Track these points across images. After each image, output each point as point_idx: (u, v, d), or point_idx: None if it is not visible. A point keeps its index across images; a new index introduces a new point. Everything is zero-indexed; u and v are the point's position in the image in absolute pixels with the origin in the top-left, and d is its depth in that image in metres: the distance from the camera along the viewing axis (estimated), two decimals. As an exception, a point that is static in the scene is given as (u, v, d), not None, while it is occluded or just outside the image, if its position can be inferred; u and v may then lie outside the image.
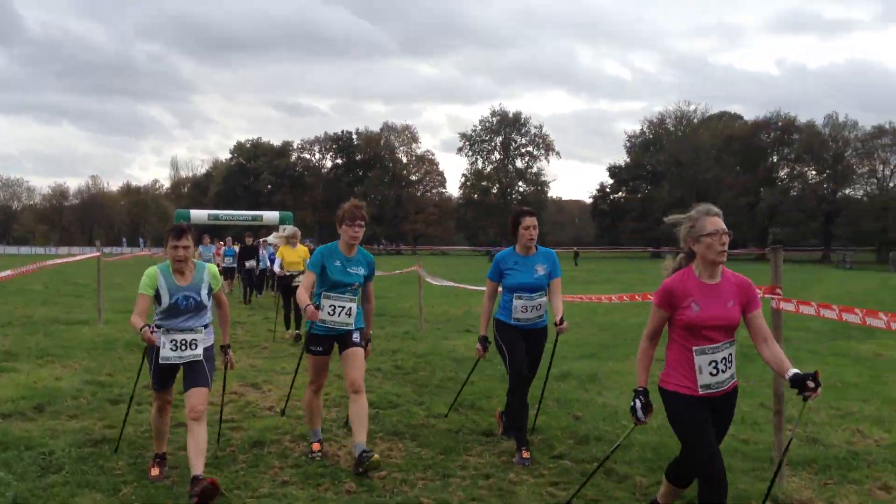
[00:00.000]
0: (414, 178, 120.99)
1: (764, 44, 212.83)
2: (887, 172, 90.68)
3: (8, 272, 10.69)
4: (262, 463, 6.39)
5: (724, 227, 4.51)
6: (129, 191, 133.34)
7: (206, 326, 5.97)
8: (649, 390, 4.69)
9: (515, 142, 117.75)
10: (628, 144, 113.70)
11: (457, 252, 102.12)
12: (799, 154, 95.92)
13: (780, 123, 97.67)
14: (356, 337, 6.51)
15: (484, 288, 7.14)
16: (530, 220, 6.83)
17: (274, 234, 53.76)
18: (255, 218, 72.43)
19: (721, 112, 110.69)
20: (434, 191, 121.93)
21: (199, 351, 5.89)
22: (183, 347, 5.84)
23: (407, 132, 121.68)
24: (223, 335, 6.37)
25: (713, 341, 4.46)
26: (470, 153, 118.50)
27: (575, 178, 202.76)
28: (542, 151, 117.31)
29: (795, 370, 4.26)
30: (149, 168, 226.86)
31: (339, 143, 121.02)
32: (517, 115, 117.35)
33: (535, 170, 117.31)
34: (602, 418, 7.62)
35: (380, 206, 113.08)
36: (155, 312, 5.84)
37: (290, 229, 14.93)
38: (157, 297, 5.80)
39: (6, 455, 6.40)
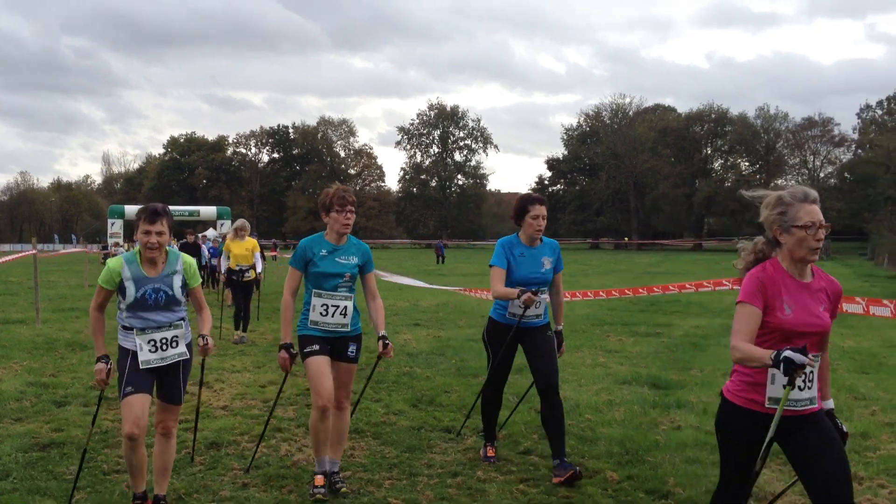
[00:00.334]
0: (352, 171, 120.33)
1: (693, 37, 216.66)
2: (818, 163, 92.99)
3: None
4: (220, 465, 6.19)
5: (822, 218, 3.65)
6: (59, 187, 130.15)
7: (183, 319, 5.21)
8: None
9: (453, 135, 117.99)
10: (565, 137, 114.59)
11: (397, 245, 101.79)
12: (732, 145, 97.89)
13: (713, 116, 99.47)
14: (352, 350, 5.73)
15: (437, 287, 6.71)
16: (540, 210, 6.04)
17: (211, 229, 52.96)
18: (192, 213, 71.30)
19: (655, 105, 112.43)
20: (373, 185, 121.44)
21: (183, 348, 5.18)
22: (164, 347, 5.10)
23: (344, 126, 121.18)
24: (201, 327, 5.36)
25: None
26: (408, 147, 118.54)
27: (512, 170, 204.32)
28: (481, 144, 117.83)
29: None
30: (79, 163, 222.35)
31: (276, 138, 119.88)
32: (455, 109, 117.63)
33: (473, 163, 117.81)
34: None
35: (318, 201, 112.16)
36: (119, 307, 5.13)
37: (239, 221, 14.03)
38: (122, 290, 5.02)
39: (-52, 462, 6.09)
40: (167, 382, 5.18)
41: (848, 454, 4.41)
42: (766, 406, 3.66)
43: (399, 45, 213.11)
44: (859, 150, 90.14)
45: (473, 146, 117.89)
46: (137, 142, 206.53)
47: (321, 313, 5.58)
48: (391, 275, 18.20)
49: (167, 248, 5.14)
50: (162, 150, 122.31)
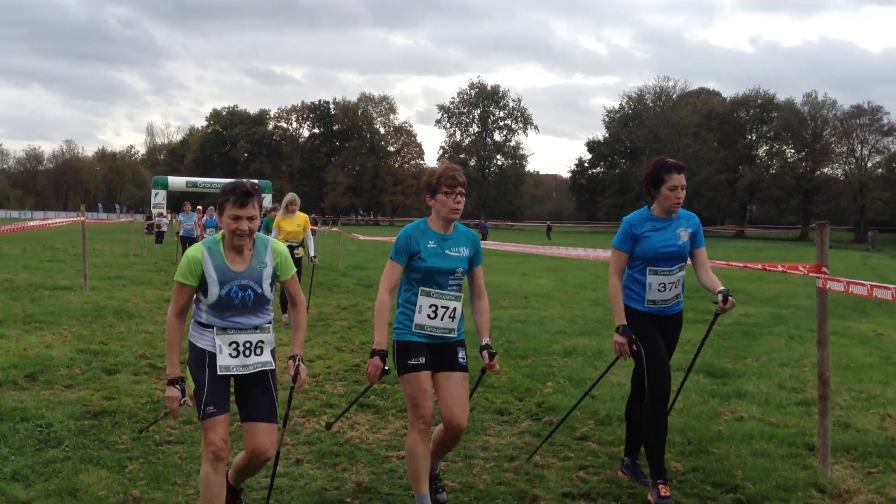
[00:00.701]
0: (392, 149, 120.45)
1: (738, 21, 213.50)
2: (865, 152, 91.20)
3: (12, 227, 10.29)
4: (273, 440, 6.08)
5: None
6: (104, 156, 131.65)
7: (270, 322, 4.40)
8: None
9: (493, 115, 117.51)
10: (607, 119, 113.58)
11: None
12: (778, 132, 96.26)
13: (759, 101, 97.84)
14: (462, 357, 4.85)
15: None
16: (678, 179, 5.07)
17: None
18: (233, 186, 71.63)
19: (700, 88, 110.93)
20: (412, 162, 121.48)
21: (268, 356, 4.33)
22: (247, 352, 4.26)
23: (384, 103, 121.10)
24: (294, 343, 4.51)
25: None
26: (448, 125, 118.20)
27: (549, 151, 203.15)
28: (521, 125, 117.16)
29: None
30: (122, 133, 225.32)
31: (317, 113, 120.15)
32: (495, 89, 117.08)
33: (513, 143, 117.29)
34: (620, 398, 7.37)
35: (358, 177, 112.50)
36: (196, 306, 4.33)
37: (289, 196, 13.18)
38: (202, 286, 4.19)
39: (1, 427, 6.07)
40: (253, 396, 4.29)
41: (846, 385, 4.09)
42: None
43: (439, 22, 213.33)
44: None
45: (513, 126, 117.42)
46: (180, 113, 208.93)
47: (429, 315, 4.72)
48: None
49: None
50: (204, 123, 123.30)
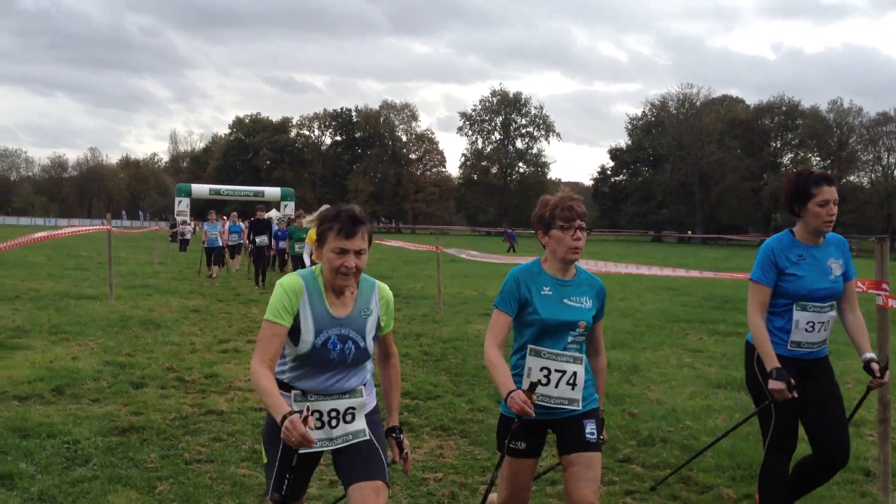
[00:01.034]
0: (413, 156, 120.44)
1: (759, 27, 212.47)
2: (892, 160, 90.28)
3: (43, 234, 10.19)
4: (305, 459, 5.89)
5: None
6: (128, 164, 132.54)
7: (367, 383, 3.59)
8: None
9: (515, 122, 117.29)
10: (629, 127, 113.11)
11: (457, 232, 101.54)
12: (802, 139, 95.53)
13: (783, 108, 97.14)
14: (590, 431, 3.85)
15: None
16: (829, 193, 4.30)
17: (274, 210, 53.21)
18: (256, 193, 72.01)
19: (723, 95, 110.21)
20: (434, 170, 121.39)
21: (361, 423, 3.50)
22: (333, 422, 3.44)
23: (406, 110, 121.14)
24: (389, 411, 3.73)
25: None
26: (470, 133, 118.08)
27: (570, 158, 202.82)
28: (543, 132, 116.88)
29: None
30: (145, 141, 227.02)
31: (339, 121, 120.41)
32: (517, 96, 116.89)
33: (535, 151, 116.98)
34: (661, 416, 7.14)
35: (379, 184, 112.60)
36: (279, 358, 3.47)
37: (325, 207, 12.37)
38: (293, 332, 3.38)
39: (27, 444, 5.92)
40: (348, 459, 3.48)
41: None
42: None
43: (458, 30, 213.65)
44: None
45: (535, 134, 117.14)
46: (201, 121, 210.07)
47: (541, 381, 3.77)
48: (464, 251, 17.78)
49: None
50: (227, 130, 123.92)
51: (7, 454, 5.64)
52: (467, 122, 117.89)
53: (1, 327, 11.09)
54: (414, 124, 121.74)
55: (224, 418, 6.88)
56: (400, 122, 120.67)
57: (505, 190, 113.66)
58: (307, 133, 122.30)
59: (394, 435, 3.62)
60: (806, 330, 4.35)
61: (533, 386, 3.58)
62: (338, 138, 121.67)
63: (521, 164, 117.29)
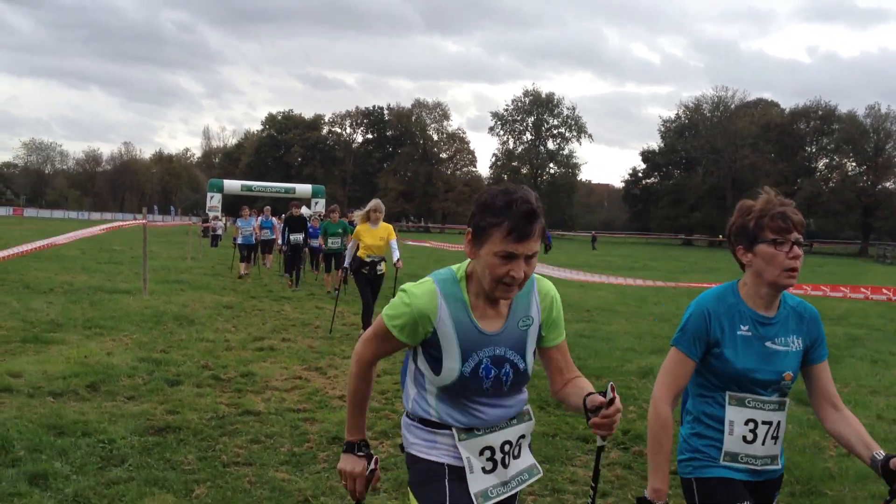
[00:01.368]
0: (444, 155, 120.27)
1: (795, 31, 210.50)
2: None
3: (96, 229, 10.11)
4: (346, 464, 5.70)
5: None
6: (161, 158, 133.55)
7: (528, 404, 2.83)
8: None
9: (547, 123, 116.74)
10: (662, 129, 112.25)
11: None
12: (838, 144, 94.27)
13: (819, 112, 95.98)
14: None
15: None
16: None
17: (305, 207, 53.42)
18: (287, 190, 72.23)
19: (757, 99, 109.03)
20: (464, 169, 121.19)
21: (529, 456, 2.81)
22: (506, 459, 2.69)
23: (438, 109, 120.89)
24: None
25: None
26: (501, 132, 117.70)
27: (600, 160, 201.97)
28: (574, 133, 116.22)
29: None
30: (177, 136, 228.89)
31: (371, 118, 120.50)
32: (550, 96, 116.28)
33: (566, 152, 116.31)
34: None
35: (409, 183, 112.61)
36: (416, 388, 2.73)
37: (374, 202, 11.08)
38: (430, 357, 2.61)
39: (62, 442, 5.79)
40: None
41: None
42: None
43: (490, 29, 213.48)
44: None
45: (567, 135, 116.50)
46: (233, 117, 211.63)
47: (746, 437, 2.89)
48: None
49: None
50: (259, 127, 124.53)
51: (42, 452, 5.52)
52: (499, 122, 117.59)
53: (36, 320, 11.04)
54: (445, 123, 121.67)
55: (262, 419, 6.73)
56: (431, 121, 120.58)
57: (535, 190, 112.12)
58: (339, 130, 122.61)
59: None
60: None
61: None
62: (369, 136, 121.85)
63: (551, 165, 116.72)
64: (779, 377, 2.89)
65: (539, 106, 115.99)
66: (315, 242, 20.40)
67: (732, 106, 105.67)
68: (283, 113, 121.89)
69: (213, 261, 27.29)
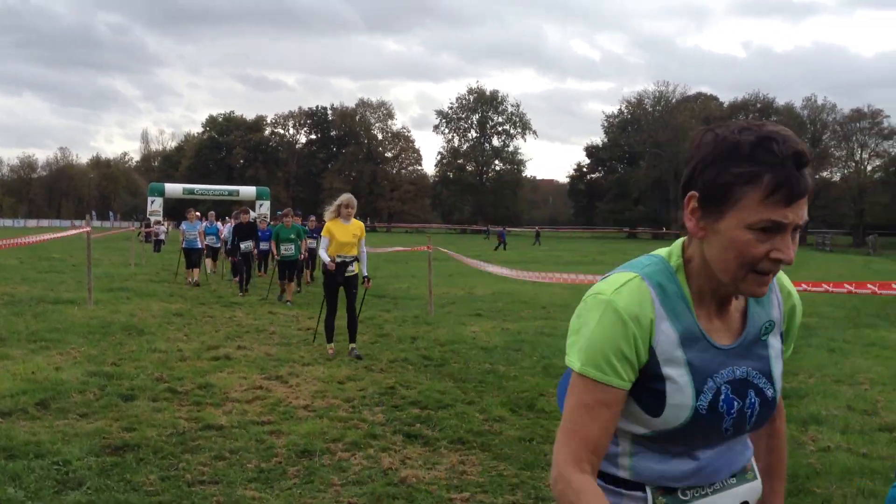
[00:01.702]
0: (389, 155, 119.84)
1: (730, 26, 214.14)
2: (865, 156, 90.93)
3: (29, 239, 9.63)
4: (317, 478, 5.44)
5: None
6: (98, 163, 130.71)
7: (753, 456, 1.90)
8: None
9: (492, 120, 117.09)
10: (605, 124, 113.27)
11: (433, 230, 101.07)
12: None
13: (758, 105, 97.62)
14: None
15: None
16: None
17: (250, 210, 52.67)
18: (231, 192, 71.28)
19: (697, 93, 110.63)
20: (409, 168, 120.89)
21: None
22: None
23: (382, 108, 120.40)
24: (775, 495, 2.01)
25: None
26: (446, 131, 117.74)
27: (543, 156, 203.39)
28: (519, 130, 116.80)
29: None
30: (114, 140, 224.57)
31: (314, 119, 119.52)
32: (494, 94, 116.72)
33: (511, 148, 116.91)
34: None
35: (355, 183, 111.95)
36: (625, 427, 1.74)
37: (345, 197, 10.03)
38: (649, 388, 1.67)
39: (14, 465, 5.42)
40: None
41: None
42: None
43: (431, 28, 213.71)
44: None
45: (511, 131, 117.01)
46: (172, 120, 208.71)
47: None
48: (465, 258, 17.33)
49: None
50: (199, 129, 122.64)
51: (-8, 478, 5.16)
52: (444, 120, 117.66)
53: (-24, 335, 10.52)
54: (390, 122, 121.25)
55: (224, 434, 6.41)
56: (376, 121, 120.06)
57: (481, 188, 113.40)
58: (281, 131, 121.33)
59: None
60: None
61: None
62: (312, 136, 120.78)
63: (497, 162, 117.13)
64: None
65: (483, 103, 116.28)
66: (265, 246, 19.83)
67: (673, 100, 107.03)
68: (224, 115, 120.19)
69: (156, 266, 26.63)
